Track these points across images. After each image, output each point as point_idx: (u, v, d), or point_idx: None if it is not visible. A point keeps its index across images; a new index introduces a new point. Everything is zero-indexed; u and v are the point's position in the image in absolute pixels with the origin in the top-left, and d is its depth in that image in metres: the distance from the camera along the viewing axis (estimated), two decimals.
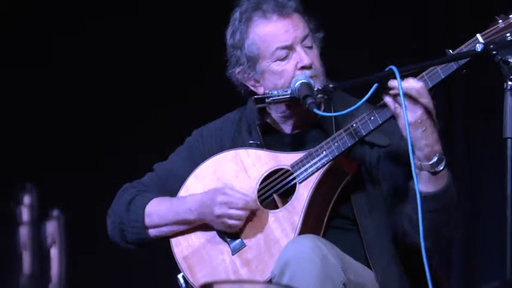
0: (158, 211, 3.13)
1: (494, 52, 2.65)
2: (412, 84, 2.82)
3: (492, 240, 3.92)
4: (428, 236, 2.83)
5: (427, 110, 2.82)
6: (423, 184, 2.86)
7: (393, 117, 2.91)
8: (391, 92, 2.85)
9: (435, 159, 2.84)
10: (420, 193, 2.82)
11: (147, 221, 3.14)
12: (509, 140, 2.61)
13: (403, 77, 2.83)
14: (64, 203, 2.24)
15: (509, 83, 2.60)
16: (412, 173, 2.83)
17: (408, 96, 2.81)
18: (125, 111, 4.64)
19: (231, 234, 3.06)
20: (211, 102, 4.18)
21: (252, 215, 3.04)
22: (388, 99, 2.86)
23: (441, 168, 2.85)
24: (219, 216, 3.02)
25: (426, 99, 2.82)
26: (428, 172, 2.85)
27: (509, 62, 2.60)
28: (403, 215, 2.91)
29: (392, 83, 2.83)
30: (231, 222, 3.01)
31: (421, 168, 2.85)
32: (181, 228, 3.11)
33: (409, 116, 2.81)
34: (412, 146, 2.83)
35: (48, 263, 2.20)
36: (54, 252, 2.23)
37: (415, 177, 2.82)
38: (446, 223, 2.91)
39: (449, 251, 4.17)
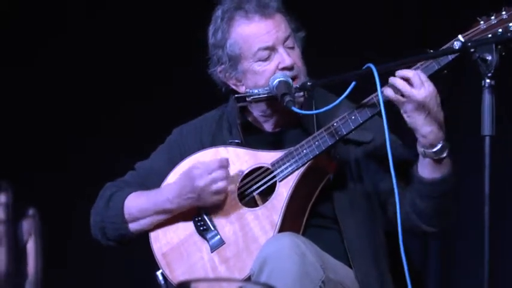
0: (137, 204, 3.12)
1: (472, 50, 2.65)
2: (411, 72, 2.85)
3: (470, 239, 3.94)
4: (434, 220, 2.94)
5: (426, 96, 2.82)
6: (427, 171, 2.89)
7: (376, 115, 2.93)
8: (390, 82, 2.87)
9: (439, 146, 2.86)
10: (425, 179, 2.88)
11: (126, 215, 3.13)
12: (486, 137, 2.61)
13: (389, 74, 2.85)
14: (40, 201, 2.24)
15: (487, 80, 2.60)
16: (400, 163, 2.88)
17: (410, 83, 2.82)
18: (101, 111, 4.62)
19: (210, 231, 3.05)
20: (186, 102, 4.18)
21: (231, 212, 3.04)
22: (389, 91, 2.87)
23: (444, 155, 2.87)
24: (203, 189, 3.01)
25: (426, 86, 2.82)
26: (432, 159, 2.87)
27: (487, 60, 2.61)
28: (405, 202, 2.92)
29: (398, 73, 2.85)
30: (217, 186, 3.00)
31: (425, 155, 2.88)
32: (161, 218, 3.10)
33: (411, 103, 2.81)
34: (416, 132, 2.86)
35: (24, 261, 2.19)
36: (30, 250, 2.22)
37: (392, 172, 2.83)
38: (450, 206, 2.97)
39: (426, 250, 4.19)
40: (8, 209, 2.14)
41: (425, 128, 2.84)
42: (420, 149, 2.88)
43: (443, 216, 2.98)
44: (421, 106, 2.82)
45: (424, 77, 2.83)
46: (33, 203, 2.14)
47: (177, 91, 4.50)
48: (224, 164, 3.02)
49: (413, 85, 2.82)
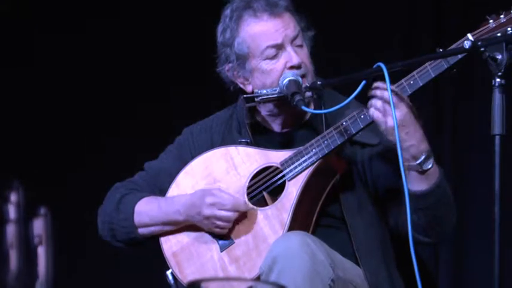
0: (148, 211, 3.12)
1: (482, 49, 2.65)
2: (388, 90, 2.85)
3: (480, 239, 3.93)
4: (429, 231, 2.90)
5: (405, 113, 2.84)
6: (413, 183, 2.87)
7: None
8: (374, 94, 2.87)
9: (422, 158, 2.86)
10: (412, 192, 2.85)
11: (137, 220, 3.14)
12: (497, 136, 2.61)
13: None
14: (51, 201, 2.24)
15: (497, 79, 2.60)
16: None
17: (386, 102, 2.84)
18: (112, 110, 4.64)
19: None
20: (187, 102, 4.19)
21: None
22: (371, 108, 2.88)
23: (429, 166, 2.87)
24: (207, 218, 3.01)
25: (403, 103, 2.84)
26: (417, 172, 2.87)
27: (497, 59, 2.61)
28: (402, 213, 2.91)
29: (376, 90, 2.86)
30: (219, 223, 3.01)
31: (409, 168, 2.87)
32: (171, 227, 3.11)
33: (389, 121, 2.83)
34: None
35: (35, 261, 2.19)
36: (41, 250, 2.22)
37: (403, 177, 2.83)
38: (444, 216, 2.94)
39: (436, 249, 4.18)
40: (20, 208, 2.14)
41: (406, 143, 2.84)
42: (404, 163, 2.87)
43: (438, 227, 2.95)
44: (399, 125, 2.82)
45: (396, 97, 2.83)
46: (50, 202, 2.15)
47: (178, 92, 4.50)
48: (237, 208, 3.00)
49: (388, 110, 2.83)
